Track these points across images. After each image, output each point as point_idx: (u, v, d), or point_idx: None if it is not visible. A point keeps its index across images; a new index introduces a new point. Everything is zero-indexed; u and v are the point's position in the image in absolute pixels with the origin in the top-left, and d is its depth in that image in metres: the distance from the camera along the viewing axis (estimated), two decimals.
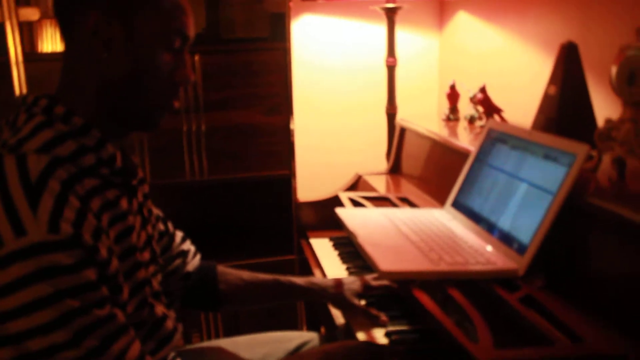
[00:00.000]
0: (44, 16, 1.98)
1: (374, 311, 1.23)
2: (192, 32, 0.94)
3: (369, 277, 1.35)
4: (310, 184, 2.31)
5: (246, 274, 1.31)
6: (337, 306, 1.31)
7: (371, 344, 1.03)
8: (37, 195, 0.76)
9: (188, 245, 1.27)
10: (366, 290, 1.30)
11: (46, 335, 0.72)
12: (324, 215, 1.87)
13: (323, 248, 1.71)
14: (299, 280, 1.31)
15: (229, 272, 1.30)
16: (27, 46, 1.97)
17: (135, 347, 0.82)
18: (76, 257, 0.75)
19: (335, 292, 1.29)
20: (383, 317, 1.21)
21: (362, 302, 1.27)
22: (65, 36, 0.92)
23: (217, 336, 1.99)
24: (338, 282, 1.30)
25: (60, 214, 0.76)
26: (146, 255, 0.99)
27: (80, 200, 0.80)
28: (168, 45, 0.91)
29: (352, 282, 1.31)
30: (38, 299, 0.72)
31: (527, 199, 1.15)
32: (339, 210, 1.42)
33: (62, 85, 0.92)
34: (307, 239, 1.82)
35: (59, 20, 0.92)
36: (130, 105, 0.92)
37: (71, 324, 0.73)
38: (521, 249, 1.09)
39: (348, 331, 1.24)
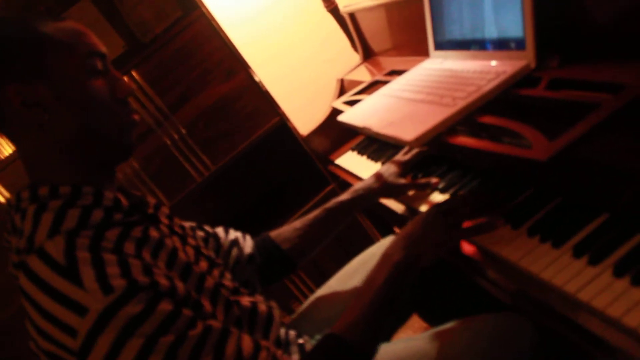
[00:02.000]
0: None
1: (421, 181, 1.23)
2: (102, 47, 0.91)
3: (399, 155, 1.34)
4: (306, 118, 2.26)
5: (297, 223, 1.31)
6: (390, 196, 1.31)
7: (439, 204, 1.02)
8: (75, 272, 0.75)
9: (234, 233, 1.27)
10: (404, 166, 1.30)
11: None
12: (333, 133, 1.84)
13: (350, 160, 1.69)
14: (344, 196, 1.31)
15: (282, 231, 1.30)
16: None
17: (247, 341, 0.82)
18: (143, 300, 0.74)
19: (380, 185, 1.29)
20: (432, 179, 1.21)
21: (408, 180, 1.27)
22: (3, 127, 0.89)
23: (312, 292, 2.02)
24: (377, 175, 1.31)
25: (105, 274, 0.75)
26: (203, 265, 0.99)
27: (113, 252, 0.79)
28: (92, 71, 0.88)
29: (388, 167, 1.31)
30: (138, 356, 0.72)
31: None
32: (341, 117, 1.39)
33: (30, 169, 0.90)
34: (332, 163, 1.80)
35: None
36: (96, 146, 0.90)
37: (179, 356, 0.74)
38: (520, 44, 1.05)
39: (414, 214, 1.23)
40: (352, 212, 1.31)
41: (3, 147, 2.00)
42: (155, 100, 2.02)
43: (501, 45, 1.11)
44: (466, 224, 0.99)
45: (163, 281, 0.79)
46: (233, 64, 2.05)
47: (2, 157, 1.98)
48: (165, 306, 0.76)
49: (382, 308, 0.91)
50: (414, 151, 1.33)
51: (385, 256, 0.97)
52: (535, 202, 0.97)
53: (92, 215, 0.83)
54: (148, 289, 0.76)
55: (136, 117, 0.95)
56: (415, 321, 1.55)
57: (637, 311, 0.69)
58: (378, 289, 0.92)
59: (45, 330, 0.76)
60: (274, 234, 1.29)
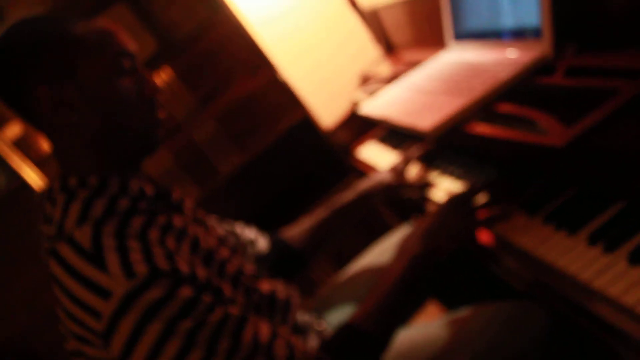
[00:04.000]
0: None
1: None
2: (132, 45, 0.92)
3: (394, 164, 1.37)
4: (329, 112, 2.27)
5: (306, 222, 1.32)
6: (391, 198, 1.34)
7: (456, 196, 1.02)
8: (100, 258, 0.78)
9: (250, 231, 1.28)
10: (398, 174, 1.33)
11: None
12: (355, 125, 1.85)
13: (371, 152, 1.70)
14: (349, 195, 1.33)
15: (293, 230, 1.32)
16: (34, 155, 2.02)
17: (264, 327, 0.84)
18: (164, 285, 0.77)
19: (381, 188, 1.33)
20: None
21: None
22: (36, 123, 0.91)
23: (331, 277, 2.03)
24: (377, 178, 1.34)
25: (128, 260, 0.77)
26: (224, 252, 1.01)
27: (138, 239, 0.81)
28: (120, 71, 0.89)
29: (385, 175, 1.35)
30: (158, 339, 0.75)
31: None
32: (361, 109, 1.41)
33: (61, 162, 0.92)
34: (353, 154, 1.81)
35: (22, 117, 0.91)
36: (124, 142, 0.92)
37: (198, 341, 0.76)
38: (537, 33, 1.05)
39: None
40: (361, 212, 1.33)
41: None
42: (186, 96, 2.06)
43: (518, 34, 1.10)
44: (482, 214, 0.99)
45: (184, 268, 0.81)
46: (259, 61, 2.07)
47: (49, 152, 2.04)
48: (186, 292, 0.78)
49: (399, 299, 0.92)
50: (402, 160, 1.36)
51: (404, 248, 0.98)
52: (552, 190, 0.96)
53: (118, 204, 0.86)
54: (169, 275, 0.78)
55: (161, 114, 0.96)
56: (431, 308, 1.56)
57: None
58: (395, 281, 0.93)
59: (73, 314, 0.79)
60: (284, 233, 1.31)
